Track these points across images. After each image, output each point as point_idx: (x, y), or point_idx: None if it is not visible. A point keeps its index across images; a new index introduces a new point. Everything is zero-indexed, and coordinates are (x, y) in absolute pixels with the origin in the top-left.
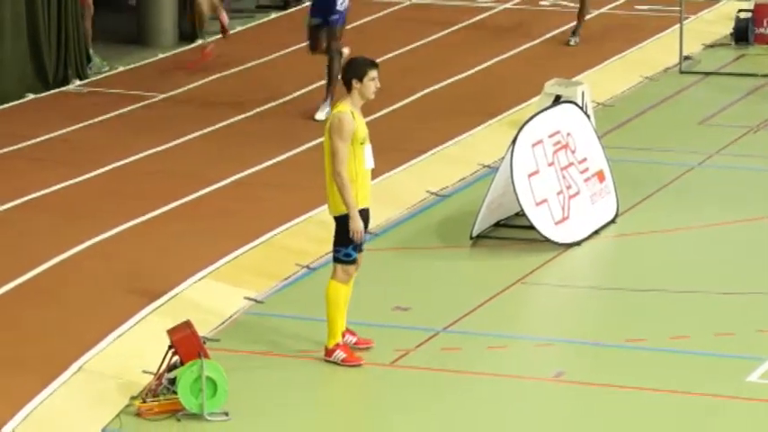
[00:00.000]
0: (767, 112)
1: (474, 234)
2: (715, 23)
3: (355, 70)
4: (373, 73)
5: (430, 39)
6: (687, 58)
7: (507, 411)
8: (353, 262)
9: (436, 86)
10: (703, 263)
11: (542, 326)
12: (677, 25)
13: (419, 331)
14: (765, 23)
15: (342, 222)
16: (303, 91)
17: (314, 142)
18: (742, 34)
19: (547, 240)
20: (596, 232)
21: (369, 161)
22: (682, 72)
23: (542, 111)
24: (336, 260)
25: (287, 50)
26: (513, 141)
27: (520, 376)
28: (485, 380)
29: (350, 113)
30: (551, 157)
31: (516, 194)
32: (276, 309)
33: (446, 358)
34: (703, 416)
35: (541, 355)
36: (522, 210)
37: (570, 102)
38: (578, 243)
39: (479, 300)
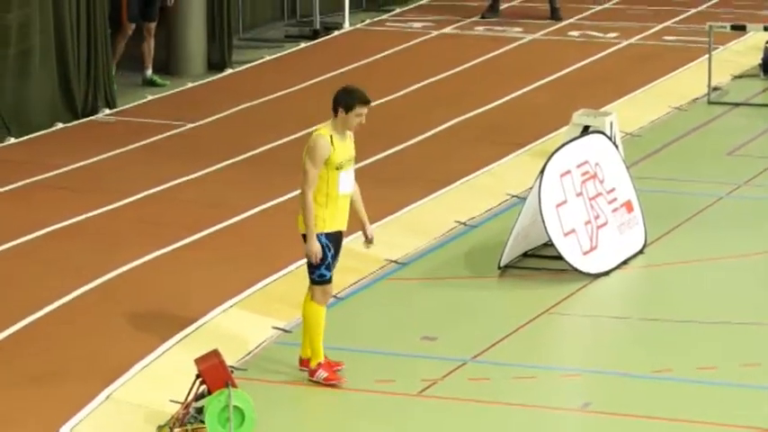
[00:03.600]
0: None
1: (502, 264)
2: (744, 54)
3: (345, 100)
4: (361, 110)
5: (458, 69)
6: (716, 88)
7: None
8: (329, 282)
9: (465, 116)
10: (731, 293)
11: (570, 356)
12: (706, 56)
13: (447, 361)
14: None
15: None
16: None
17: None
18: None
19: (575, 270)
20: (624, 263)
21: (344, 186)
22: (710, 103)
23: (571, 141)
24: (312, 281)
25: (316, 80)
26: (542, 171)
27: (547, 407)
28: (512, 410)
29: (328, 138)
30: (579, 188)
31: (544, 224)
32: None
33: (473, 388)
34: None
35: (569, 386)
36: (551, 240)
37: (599, 132)
38: (606, 273)
39: (507, 330)
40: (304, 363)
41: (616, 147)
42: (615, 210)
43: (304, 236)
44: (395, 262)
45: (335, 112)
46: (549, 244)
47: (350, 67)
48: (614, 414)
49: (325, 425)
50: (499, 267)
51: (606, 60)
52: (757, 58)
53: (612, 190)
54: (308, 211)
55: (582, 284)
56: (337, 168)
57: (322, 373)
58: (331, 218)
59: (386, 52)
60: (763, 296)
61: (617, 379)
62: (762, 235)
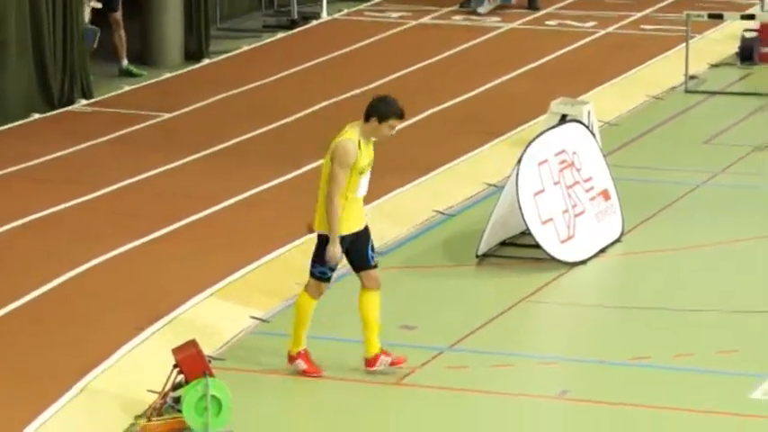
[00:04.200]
0: None
1: (480, 253)
2: (721, 43)
3: (382, 110)
4: (395, 123)
5: (436, 59)
6: (693, 77)
7: (512, 430)
8: (327, 280)
9: (443, 106)
10: (708, 281)
11: (547, 344)
12: (683, 44)
13: (425, 350)
14: None
15: (323, 241)
16: (309, 110)
17: (319, 162)
18: (747, 53)
19: (552, 259)
20: (602, 251)
21: (362, 189)
22: (687, 91)
23: (548, 130)
24: (312, 275)
25: (294, 70)
26: (519, 160)
27: (525, 394)
28: (490, 398)
29: (356, 143)
30: (557, 176)
31: (522, 213)
32: (282, 328)
33: (452, 377)
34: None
35: (546, 374)
36: (528, 228)
37: (576, 121)
38: (584, 262)
39: (485, 318)
40: (370, 362)
41: (593, 135)
42: (592, 198)
43: (319, 235)
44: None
45: (368, 118)
46: (527, 232)
47: (328, 56)
48: (592, 401)
49: (304, 414)
50: (477, 256)
51: (584, 49)
52: (734, 47)
53: (590, 178)
54: (333, 215)
55: (559, 273)
56: (360, 173)
57: (301, 364)
58: (347, 220)
59: (363, 42)
60: (739, 284)
61: (594, 366)
62: (738, 223)
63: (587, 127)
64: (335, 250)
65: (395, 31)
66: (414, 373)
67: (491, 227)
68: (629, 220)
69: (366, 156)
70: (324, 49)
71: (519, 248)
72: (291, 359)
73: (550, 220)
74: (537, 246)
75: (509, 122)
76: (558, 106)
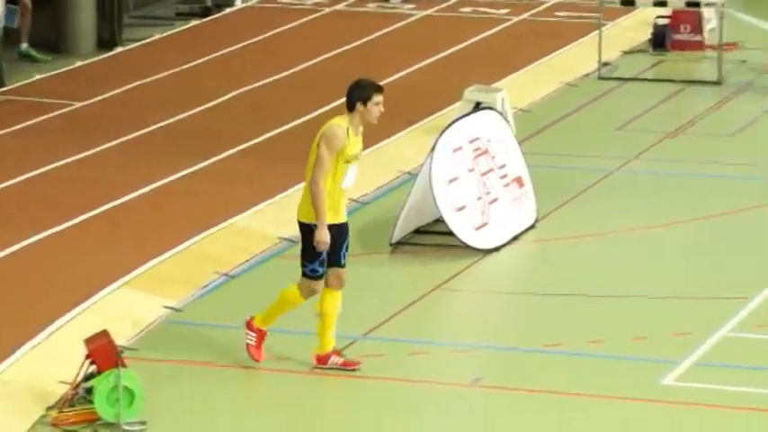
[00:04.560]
0: (684, 118)
1: (393, 240)
2: (633, 30)
3: (361, 93)
4: (378, 98)
5: (351, 46)
6: (606, 64)
7: (425, 417)
8: (319, 278)
9: None
10: (621, 267)
11: (461, 332)
12: (596, 32)
13: (339, 338)
14: (682, 29)
15: (307, 233)
16: (224, 98)
17: (233, 150)
18: (660, 40)
19: (466, 246)
20: (515, 238)
21: (348, 180)
22: (600, 78)
23: (462, 117)
24: (303, 274)
25: (207, 58)
26: (433, 148)
27: (439, 382)
28: (404, 386)
29: (345, 129)
30: (471, 163)
31: (435, 201)
32: (195, 317)
33: (366, 365)
34: (618, 419)
35: (460, 361)
36: (442, 216)
37: (490, 108)
38: (497, 249)
39: (399, 306)
40: (321, 359)
41: (507, 122)
42: (506, 185)
43: (302, 225)
44: (287, 240)
45: (352, 108)
46: (441, 220)
47: (242, 44)
48: (505, 388)
49: (216, 402)
50: (391, 244)
51: (497, 36)
52: (647, 34)
53: (504, 165)
54: (319, 198)
55: (473, 260)
56: (347, 162)
57: (252, 339)
58: (331, 209)
59: (277, 29)
60: (651, 270)
61: (508, 353)
62: (651, 209)
63: (501, 114)
64: (324, 234)
65: (309, 18)
66: (324, 368)
67: (405, 214)
68: (543, 207)
69: (355, 145)
70: (238, 36)
71: (433, 236)
72: (249, 327)
73: (464, 207)
74: (451, 233)
75: (423, 110)
76: (471, 93)
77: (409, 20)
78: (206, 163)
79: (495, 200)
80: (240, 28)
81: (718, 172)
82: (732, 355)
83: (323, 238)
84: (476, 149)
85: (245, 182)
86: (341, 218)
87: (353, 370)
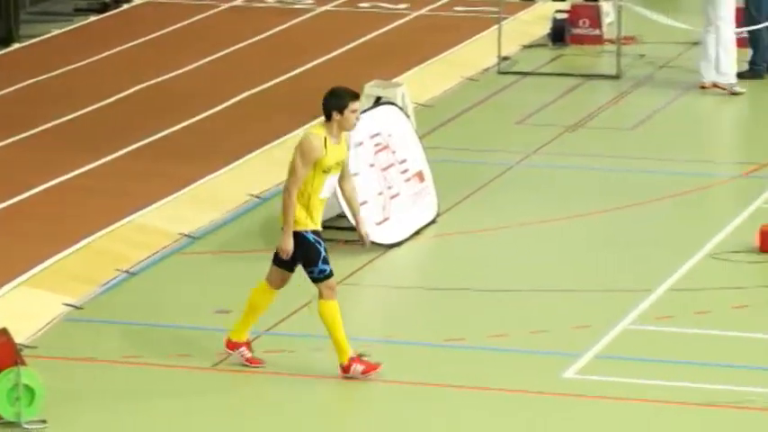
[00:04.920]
0: (584, 112)
1: None
2: (532, 24)
3: (337, 102)
4: (355, 105)
5: (250, 41)
6: (505, 58)
7: (328, 412)
8: (330, 275)
9: (257, 89)
10: (522, 261)
11: (364, 326)
12: (496, 26)
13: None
14: (581, 24)
15: (300, 241)
16: (123, 95)
17: (133, 146)
18: (558, 35)
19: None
20: (417, 233)
21: (326, 191)
22: (500, 72)
23: (363, 112)
24: (314, 280)
25: (106, 54)
26: None
27: (341, 377)
28: (306, 381)
29: (323, 139)
30: (372, 159)
31: (337, 196)
32: (95, 314)
33: (268, 360)
34: (520, 412)
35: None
36: (343, 211)
37: (390, 103)
38: (399, 244)
39: (301, 301)
40: (231, 345)
41: (408, 117)
42: (407, 180)
43: (293, 233)
44: (187, 236)
45: (329, 117)
46: (342, 215)
47: (140, 40)
48: (407, 383)
49: (117, 400)
50: None
51: (397, 31)
52: (546, 28)
53: (404, 160)
54: (289, 209)
55: (375, 255)
56: (325, 172)
57: (358, 367)
58: (311, 217)
59: (176, 25)
60: (552, 263)
61: (410, 348)
62: (551, 203)
63: (402, 109)
64: (288, 243)
65: (207, 14)
66: (230, 357)
67: None
68: (444, 202)
69: (334, 155)
70: (136, 32)
71: (334, 231)
72: (346, 369)
73: (365, 202)
74: (352, 228)
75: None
76: (372, 88)
77: (307, 15)
78: (105, 159)
79: (397, 195)
80: (138, 24)
81: (618, 166)
82: (632, 348)
83: (286, 246)
84: (376, 145)
85: (145, 178)
86: (315, 225)
87: (259, 365)
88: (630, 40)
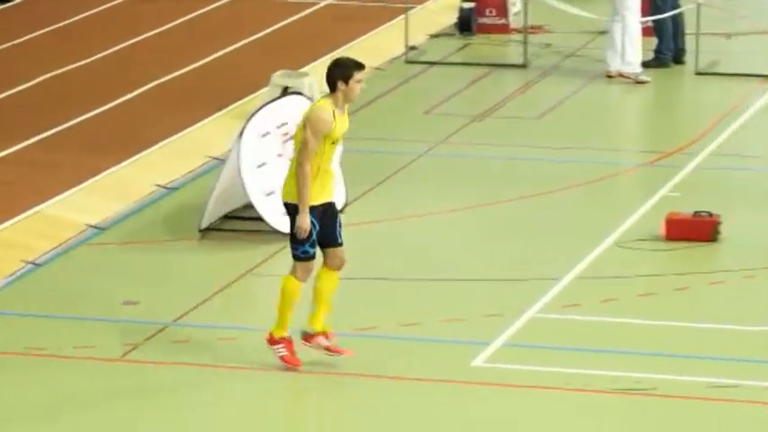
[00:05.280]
0: (491, 101)
1: (202, 226)
2: (439, 14)
3: (342, 71)
4: (359, 75)
5: (158, 30)
6: (412, 48)
7: (234, 403)
8: (312, 258)
9: (165, 78)
10: (431, 250)
11: (271, 317)
12: (402, 15)
13: (148, 325)
14: (488, 13)
15: (295, 214)
16: (29, 84)
17: (38, 137)
18: (465, 24)
19: (275, 231)
20: None
21: (335, 161)
22: (407, 62)
23: (270, 102)
24: (294, 257)
25: (10, 44)
26: (241, 133)
27: (249, 368)
28: (214, 372)
29: (331, 112)
30: (280, 149)
31: (244, 186)
32: (1, 306)
33: (175, 351)
34: (430, 401)
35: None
36: (251, 201)
37: (298, 93)
38: None
39: (209, 292)
40: (307, 337)
41: None
42: None
43: (287, 205)
44: (94, 227)
45: (333, 87)
46: (250, 205)
47: (46, 29)
48: (317, 372)
49: (22, 393)
50: (200, 230)
51: (305, 21)
52: (453, 17)
53: None
54: (303, 184)
55: (283, 245)
56: (334, 143)
57: (282, 350)
58: (319, 190)
59: (83, 14)
60: (461, 252)
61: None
62: (459, 192)
63: (309, 99)
64: (305, 220)
65: (113, 3)
66: (137, 348)
67: (214, 200)
68: (352, 192)
69: (341, 126)
70: (42, 21)
71: (242, 221)
72: (273, 342)
73: (273, 192)
74: (260, 218)
75: (231, 95)
76: (279, 78)
77: (217, 4)
78: (10, 150)
79: None
80: (41, 14)
81: (526, 155)
82: (539, 336)
83: (304, 224)
84: (284, 134)
85: (51, 168)
86: (330, 197)
87: (339, 354)
88: (537, 29)
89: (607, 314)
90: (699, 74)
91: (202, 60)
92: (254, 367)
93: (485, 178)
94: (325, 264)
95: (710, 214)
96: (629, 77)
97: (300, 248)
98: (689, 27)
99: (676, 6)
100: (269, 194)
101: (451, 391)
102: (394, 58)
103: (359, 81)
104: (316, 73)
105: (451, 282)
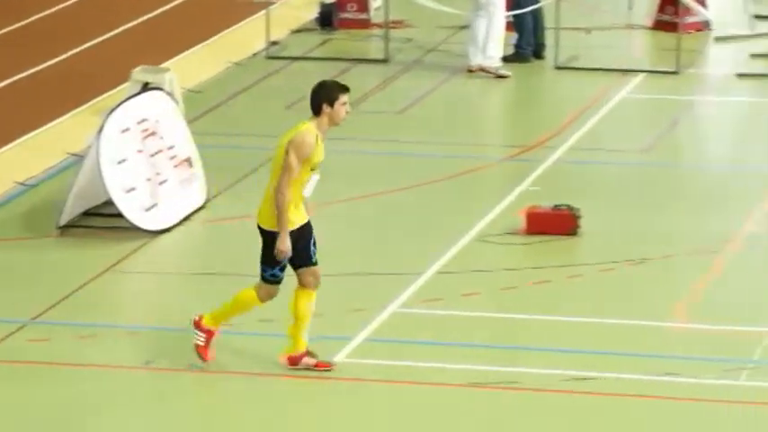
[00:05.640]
0: (352, 96)
1: (61, 223)
2: (301, 9)
3: (327, 94)
4: (345, 98)
5: (18, 25)
6: (274, 43)
7: (96, 402)
8: (279, 282)
9: (23, 74)
10: None
11: (132, 314)
12: (264, 11)
13: (5, 323)
14: (349, 8)
15: (270, 239)
16: None
17: None
18: (326, 19)
19: (136, 228)
20: (187, 218)
21: (309, 189)
22: (269, 57)
23: (130, 98)
24: (263, 279)
25: None
26: (100, 129)
27: (109, 365)
28: (71, 371)
29: (315, 136)
30: (140, 145)
31: (104, 182)
32: None
33: (34, 350)
34: (291, 397)
35: (131, 344)
36: (111, 198)
37: (158, 88)
38: (168, 230)
39: (68, 290)
40: (293, 359)
41: (176, 103)
42: (176, 166)
43: (265, 231)
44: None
45: (318, 110)
46: (110, 202)
47: None
48: (176, 370)
49: None
50: (58, 227)
51: (165, 16)
52: (314, 13)
53: (173, 146)
54: (283, 210)
55: (144, 241)
56: (312, 169)
57: (201, 340)
58: (294, 213)
59: None
60: (323, 247)
61: (179, 335)
62: (322, 187)
63: (170, 94)
64: (286, 243)
65: None
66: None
67: (73, 197)
68: (214, 187)
69: (320, 152)
70: None
71: (102, 218)
72: (200, 327)
73: (133, 188)
74: (120, 215)
75: (91, 90)
76: (139, 74)
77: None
78: None
79: (165, 181)
80: None
81: (388, 149)
82: (401, 331)
83: (284, 247)
84: (144, 130)
85: None
86: (304, 219)
87: (327, 370)
88: (398, 24)
89: (469, 308)
90: (558, 68)
91: (62, 55)
92: (114, 364)
93: (347, 173)
94: (301, 283)
95: (570, 208)
96: (491, 72)
97: (270, 271)
98: (549, 22)
99: (536, 1)
100: (129, 191)
101: (313, 388)
102: (255, 54)
103: (344, 104)
104: (177, 68)
105: None
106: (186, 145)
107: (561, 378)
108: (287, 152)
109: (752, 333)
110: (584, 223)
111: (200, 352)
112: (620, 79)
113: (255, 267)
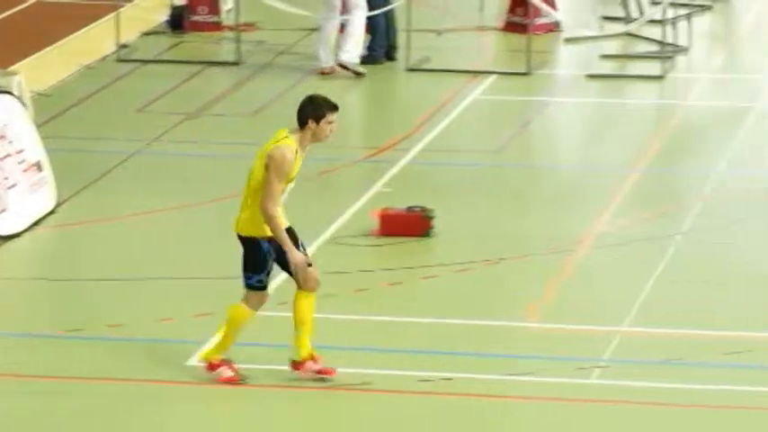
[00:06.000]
0: (204, 99)
1: None
2: (152, 11)
3: (315, 110)
4: (332, 116)
5: None
6: (124, 46)
7: None
8: (265, 288)
9: None
10: (143, 250)
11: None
12: (114, 13)
13: None
14: (200, 10)
15: (251, 246)
16: None
17: None
18: (177, 22)
19: None
20: (36, 223)
21: (282, 199)
22: (119, 60)
23: None
24: (249, 287)
25: None
26: None
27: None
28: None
29: (295, 151)
30: None
31: None
32: None
33: None
34: (148, 402)
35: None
36: None
37: (6, 92)
38: (18, 235)
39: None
40: (296, 365)
41: (25, 107)
42: (25, 170)
43: (244, 239)
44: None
45: (304, 124)
46: None
47: None
48: (31, 376)
49: None
50: None
51: (13, 18)
52: (165, 15)
53: (22, 150)
54: (276, 226)
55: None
56: (288, 182)
57: (227, 372)
58: (265, 227)
59: None
60: (172, 251)
61: (28, 341)
62: (172, 191)
63: (18, 98)
64: (298, 256)
65: None
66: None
67: None
68: (64, 192)
69: (298, 166)
70: None
71: None
72: (213, 367)
73: None
74: None
75: None
76: None
77: None
78: None
79: (14, 185)
80: None
81: (240, 152)
82: (253, 334)
83: (298, 260)
84: None
85: None
86: (286, 223)
87: (330, 375)
88: (250, 26)
89: (323, 310)
90: (410, 70)
91: None
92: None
93: (199, 176)
94: (300, 287)
95: (424, 209)
96: (349, 69)
97: (255, 278)
98: (400, 23)
99: (388, 3)
100: None
101: (169, 392)
102: (105, 57)
103: (330, 122)
104: (25, 72)
105: (163, 281)
106: (35, 149)
107: (415, 379)
108: (267, 169)
109: (603, 332)
110: (438, 224)
111: (233, 380)
112: (472, 81)
113: (110, 271)
